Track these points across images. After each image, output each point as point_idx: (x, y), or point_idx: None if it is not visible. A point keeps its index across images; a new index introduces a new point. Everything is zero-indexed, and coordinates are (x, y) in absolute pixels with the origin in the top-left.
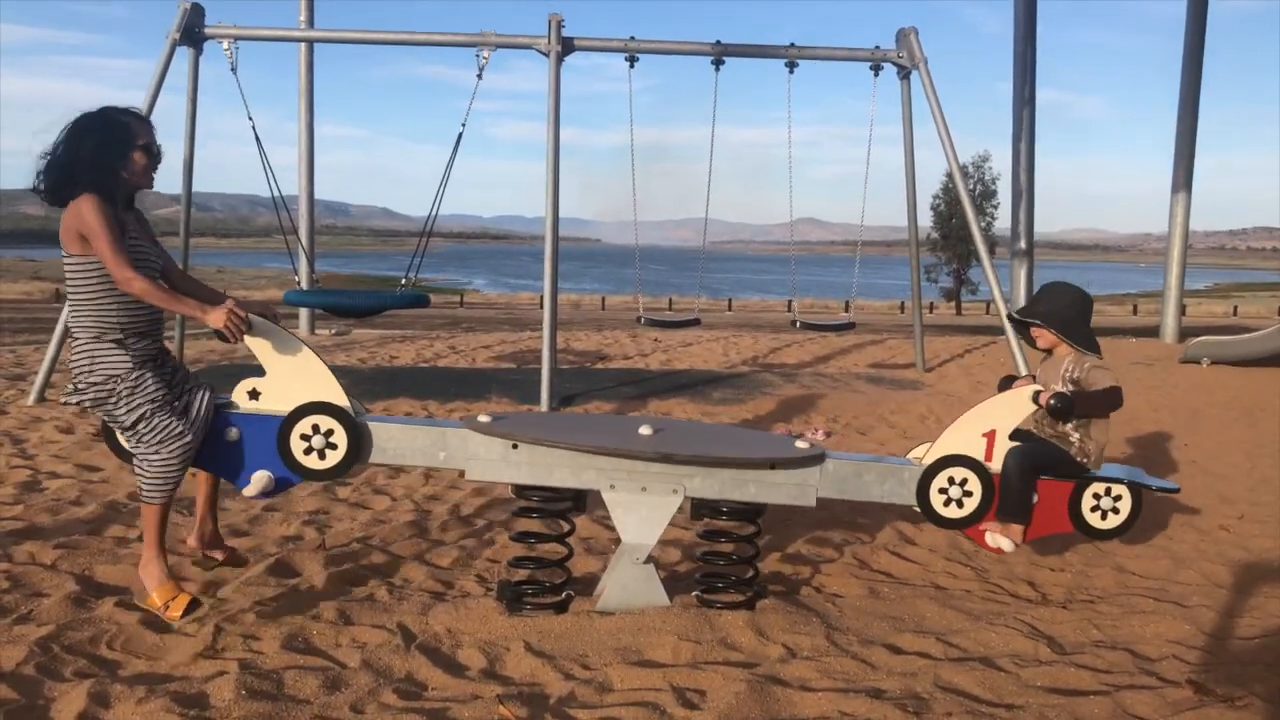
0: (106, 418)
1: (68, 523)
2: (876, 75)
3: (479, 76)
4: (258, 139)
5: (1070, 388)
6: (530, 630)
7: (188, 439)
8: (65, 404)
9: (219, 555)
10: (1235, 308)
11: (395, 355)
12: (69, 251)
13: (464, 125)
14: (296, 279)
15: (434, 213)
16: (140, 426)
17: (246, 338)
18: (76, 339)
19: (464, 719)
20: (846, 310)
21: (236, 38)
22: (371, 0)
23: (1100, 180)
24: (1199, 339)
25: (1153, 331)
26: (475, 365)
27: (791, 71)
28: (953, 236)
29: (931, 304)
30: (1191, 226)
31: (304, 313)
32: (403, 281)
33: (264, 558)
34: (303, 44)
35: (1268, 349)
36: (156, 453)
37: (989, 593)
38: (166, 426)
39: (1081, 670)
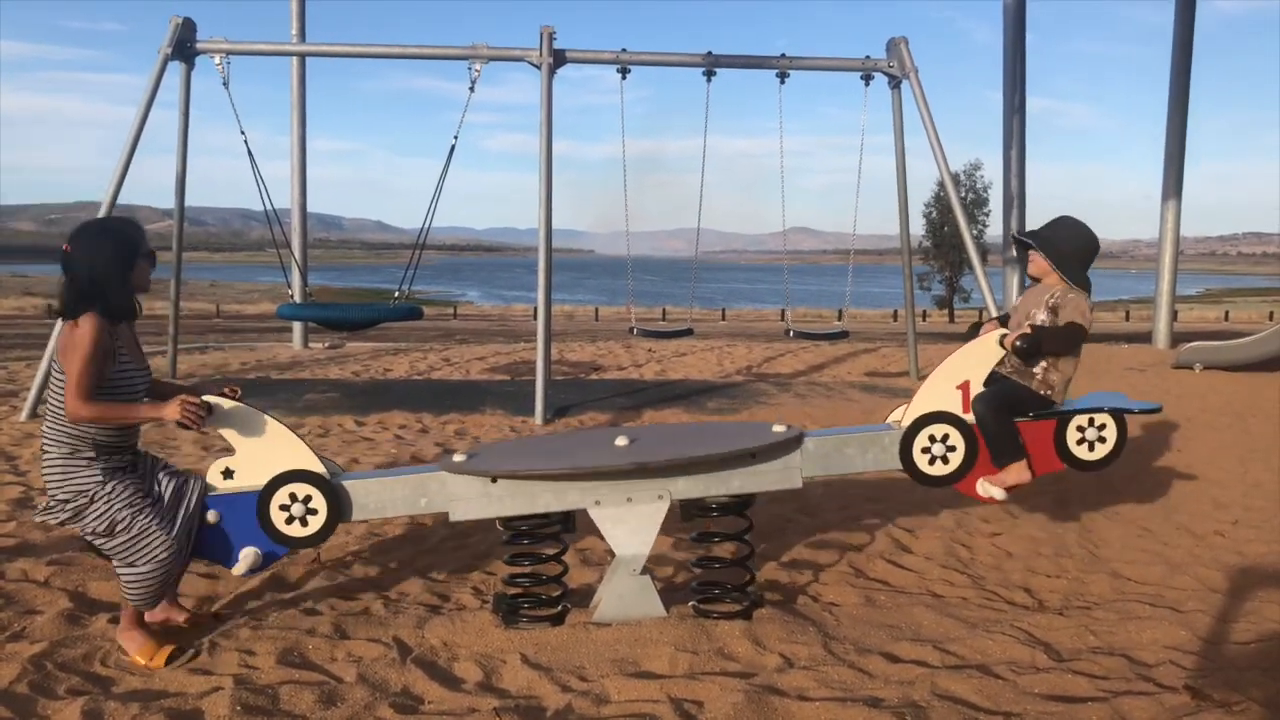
0: (83, 532)
1: (60, 540)
2: (867, 85)
3: (471, 89)
4: (250, 153)
5: (1047, 315)
6: (527, 642)
7: (174, 547)
8: (37, 520)
9: (180, 618)
10: (1226, 313)
11: (389, 368)
12: (59, 363)
13: (456, 138)
14: (290, 292)
15: (427, 225)
16: (119, 534)
17: (209, 424)
18: (47, 453)
19: None
20: (840, 319)
21: (228, 52)
22: (363, 14)
23: (1091, 187)
24: (1191, 345)
25: (1145, 337)
26: (469, 377)
27: (783, 82)
28: (945, 244)
29: (924, 312)
30: (1182, 232)
31: (297, 326)
32: (396, 294)
33: (259, 573)
34: (294, 58)
35: (1260, 354)
36: (135, 563)
37: (985, 600)
38: (144, 531)
39: (1079, 677)
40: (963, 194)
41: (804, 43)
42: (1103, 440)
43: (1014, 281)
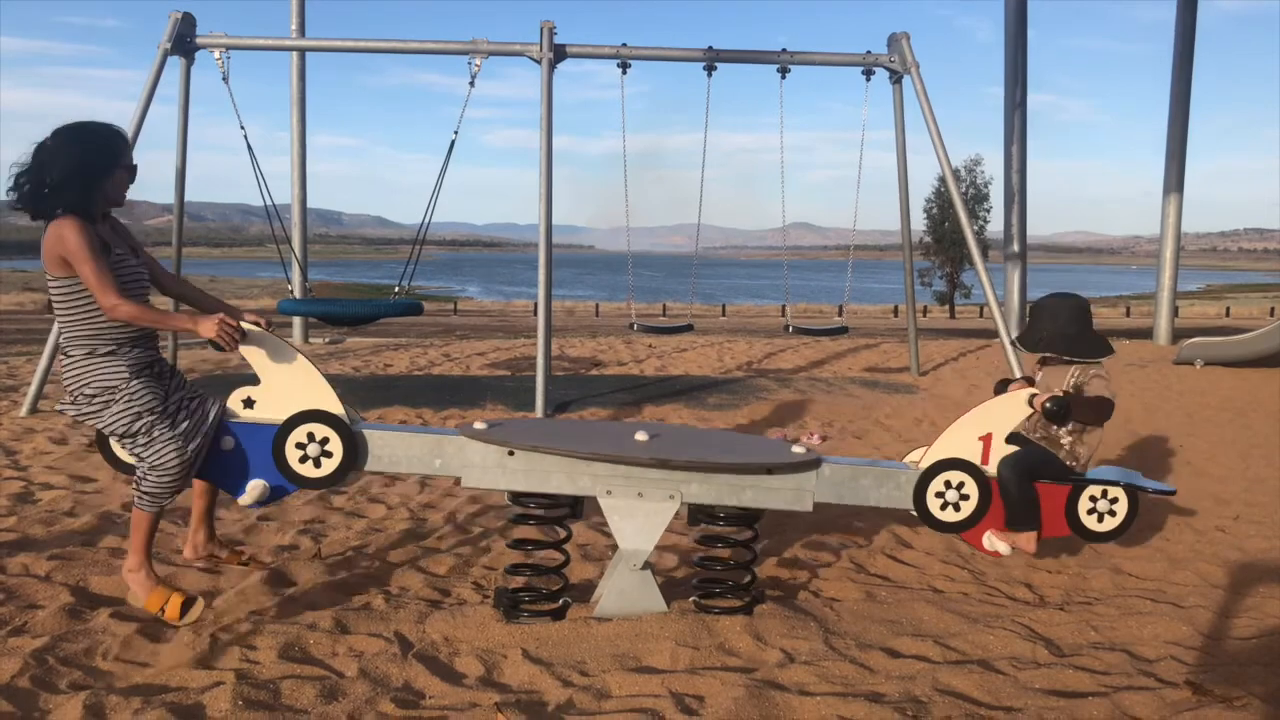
0: (104, 428)
1: (61, 534)
2: (869, 80)
3: (471, 84)
4: (250, 148)
5: (1072, 392)
6: (528, 637)
7: (187, 449)
8: (61, 412)
9: (222, 555)
10: (1227, 309)
11: (389, 363)
12: (52, 274)
13: (456, 133)
14: (290, 288)
15: (427, 220)
16: (139, 435)
17: (241, 347)
18: (69, 355)
19: None
20: (840, 314)
21: (228, 47)
22: (363, 9)
23: (1092, 183)
24: (1192, 340)
25: (1146, 333)
26: (469, 373)
27: (784, 77)
28: (945, 240)
29: (925, 308)
30: (1183, 228)
31: (298, 321)
32: (396, 289)
33: (260, 567)
34: (294, 53)
35: (1261, 350)
36: (155, 461)
37: (986, 595)
38: (165, 435)
39: (1080, 672)
40: (963, 189)
41: (804, 40)
42: (1113, 514)
43: (1015, 277)
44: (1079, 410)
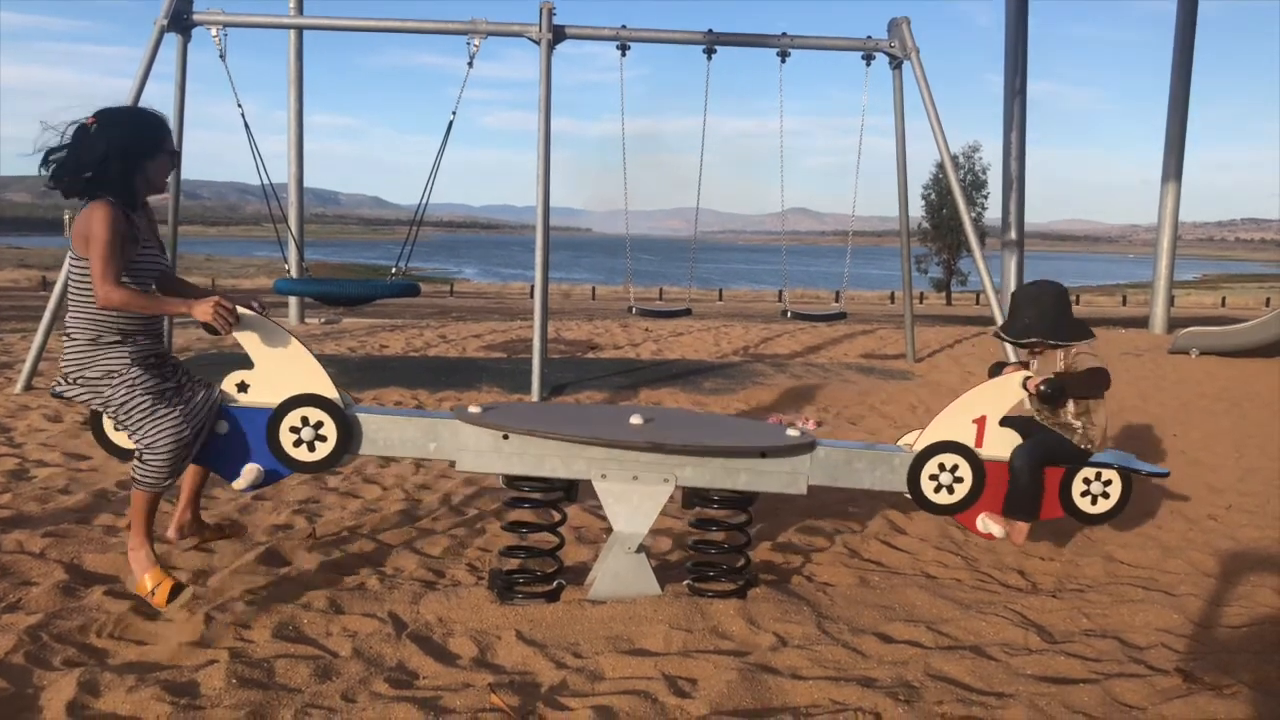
0: (101, 407)
1: (56, 511)
2: (869, 65)
3: (469, 64)
4: (247, 126)
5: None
6: (522, 619)
7: (185, 431)
8: (55, 395)
9: (209, 535)
10: (1224, 299)
11: (385, 344)
12: (76, 253)
13: (454, 114)
14: (286, 267)
15: (424, 201)
16: (138, 418)
17: (235, 331)
18: (74, 339)
19: (455, 708)
20: (837, 300)
21: (225, 24)
22: None
23: (1090, 171)
24: (1188, 330)
25: (1142, 322)
26: (465, 354)
27: (784, 61)
28: (943, 227)
29: (921, 294)
30: (1180, 218)
31: (293, 301)
32: (393, 270)
33: (254, 546)
34: (292, 31)
35: (1256, 340)
36: (152, 442)
37: (979, 582)
38: (165, 417)
39: (1071, 658)
40: (962, 176)
41: (804, 28)
42: (1106, 496)
43: (1012, 265)
44: (1075, 386)
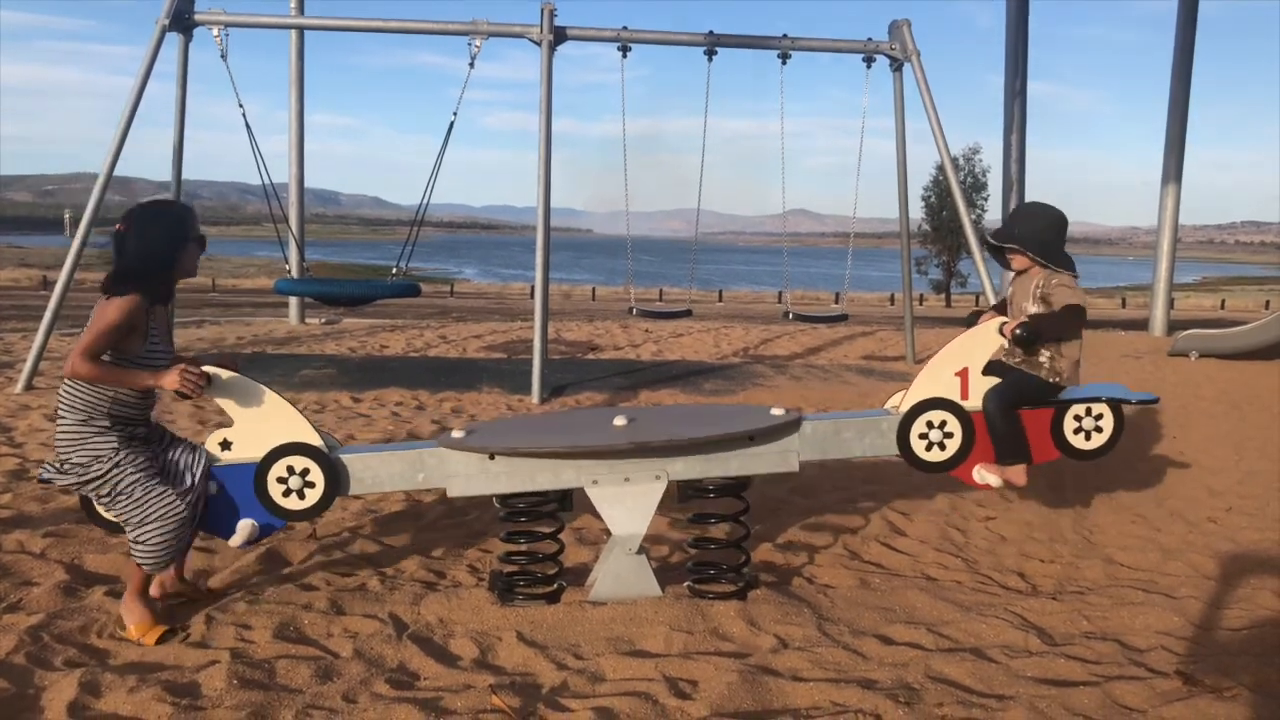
0: (93, 496)
1: (56, 511)
2: (869, 67)
3: (471, 65)
4: (248, 126)
5: (1039, 305)
6: (522, 620)
7: (180, 509)
8: (43, 481)
9: (187, 590)
10: (1223, 301)
11: (385, 345)
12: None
13: (455, 114)
14: (287, 267)
15: (425, 202)
16: (127, 504)
17: (207, 392)
18: (63, 419)
19: (456, 709)
20: (837, 302)
21: (227, 24)
22: None
23: (1090, 173)
24: (1187, 332)
25: (1141, 324)
26: (466, 355)
27: (784, 63)
28: (943, 228)
29: (921, 296)
30: (1180, 220)
31: (294, 301)
32: (393, 271)
33: (255, 547)
34: (294, 31)
35: (1256, 342)
36: (147, 527)
37: (979, 584)
38: (159, 498)
39: (1071, 661)
40: (962, 178)
41: (805, 29)
42: (1099, 430)
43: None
44: (1050, 327)
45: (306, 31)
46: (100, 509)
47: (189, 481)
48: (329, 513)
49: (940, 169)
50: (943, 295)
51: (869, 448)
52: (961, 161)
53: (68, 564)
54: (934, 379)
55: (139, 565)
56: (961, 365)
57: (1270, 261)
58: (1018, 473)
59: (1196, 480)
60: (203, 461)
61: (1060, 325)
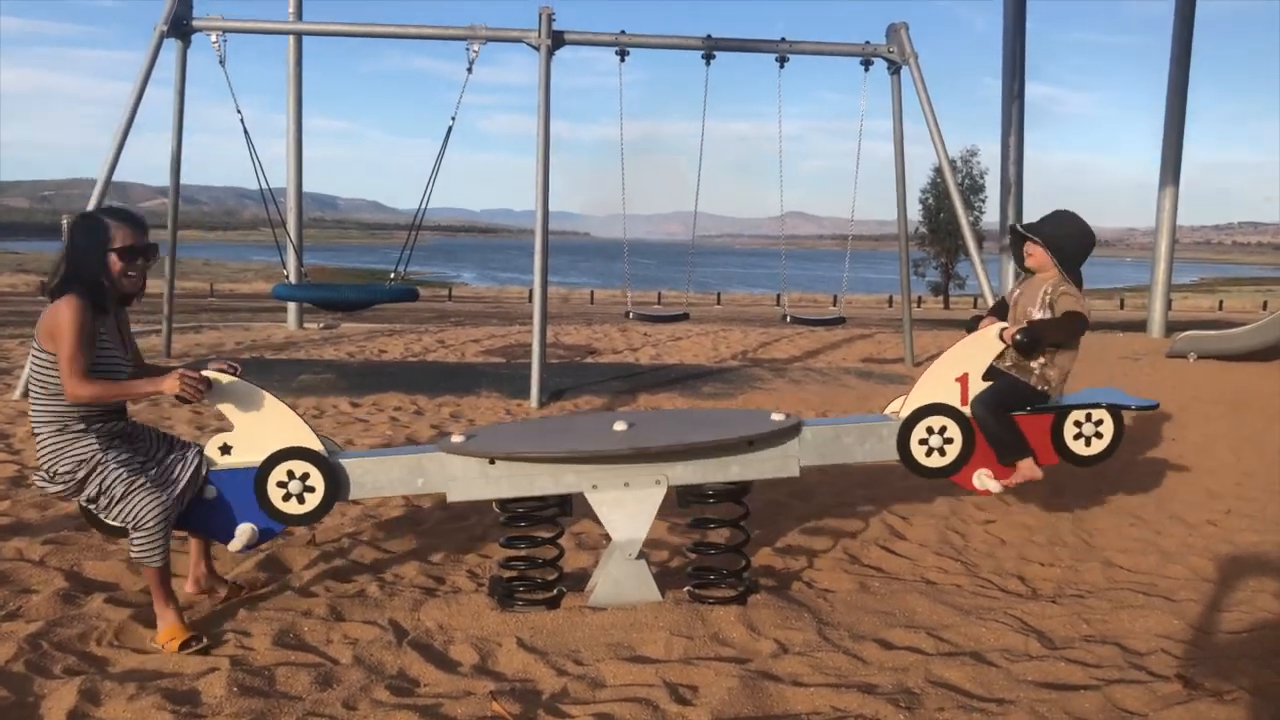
0: (85, 501)
1: (55, 518)
2: (867, 70)
3: (469, 70)
4: (246, 131)
5: (1045, 312)
6: (522, 626)
7: (164, 500)
8: (41, 492)
9: (221, 593)
10: (1221, 302)
11: (384, 349)
12: (41, 346)
13: (454, 118)
14: (285, 272)
15: (423, 206)
16: (116, 500)
17: (207, 397)
18: (39, 433)
19: (456, 715)
20: (835, 304)
21: (225, 30)
22: None
23: (1087, 175)
24: (1185, 334)
25: (1139, 326)
26: (464, 360)
27: (782, 66)
28: (941, 231)
29: (919, 299)
30: (1178, 221)
31: (292, 306)
32: (391, 275)
33: (255, 554)
34: (291, 36)
35: (1254, 344)
36: (139, 519)
37: (979, 588)
38: (141, 489)
39: (1072, 664)
40: (959, 180)
41: (802, 32)
42: (1099, 436)
43: (1010, 269)
44: (1050, 333)
45: (305, 37)
46: (100, 515)
47: (178, 473)
48: (328, 518)
49: (938, 171)
50: (941, 297)
51: (869, 453)
52: (959, 164)
53: (67, 571)
54: (934, 384)
55: (140, 565)
56: (962, 371)
57: (1268, 262)
58: (1029, 467)
59: (1195, 482)
60: (196, 457)
61: (1061, 332)
